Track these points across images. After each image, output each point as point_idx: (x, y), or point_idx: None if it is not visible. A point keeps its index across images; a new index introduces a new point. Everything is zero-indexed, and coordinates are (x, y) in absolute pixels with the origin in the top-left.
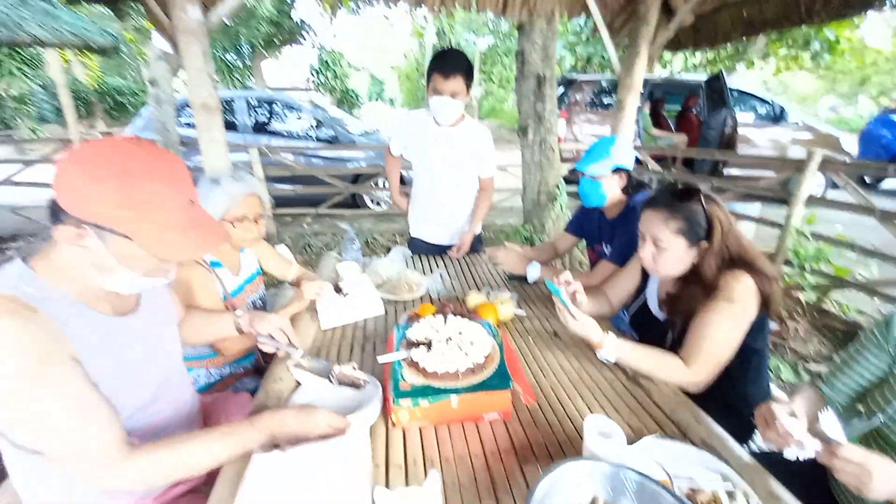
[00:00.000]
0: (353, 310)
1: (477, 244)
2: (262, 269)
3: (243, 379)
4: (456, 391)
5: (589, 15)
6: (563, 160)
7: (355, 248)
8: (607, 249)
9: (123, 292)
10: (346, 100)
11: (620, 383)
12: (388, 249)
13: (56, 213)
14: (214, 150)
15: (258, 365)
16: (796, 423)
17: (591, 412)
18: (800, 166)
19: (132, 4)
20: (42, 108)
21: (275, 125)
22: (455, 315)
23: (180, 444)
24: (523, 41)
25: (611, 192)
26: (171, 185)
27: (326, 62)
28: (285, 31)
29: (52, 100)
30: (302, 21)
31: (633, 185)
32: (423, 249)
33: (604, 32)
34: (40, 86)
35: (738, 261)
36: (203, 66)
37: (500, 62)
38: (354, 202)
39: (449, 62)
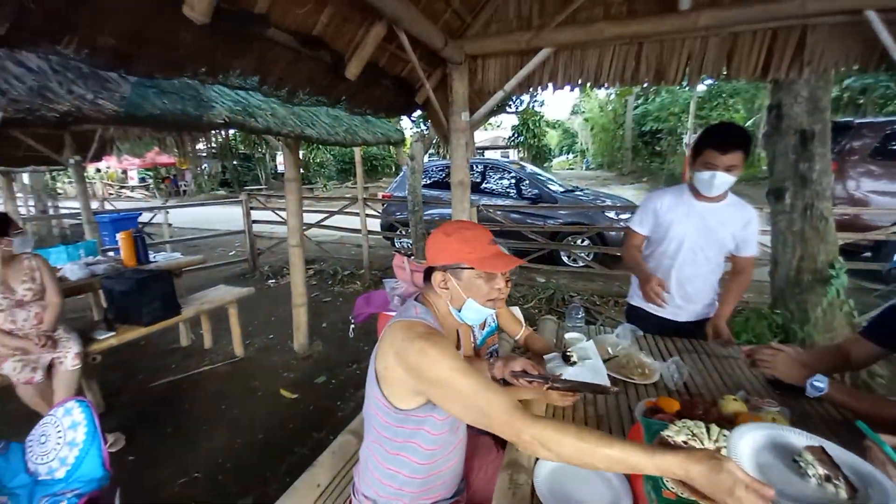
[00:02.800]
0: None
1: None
2: (498, 324)
3: None
4: None
5: (891, 66)
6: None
7: (579, 317)
8: None
9: (471, 322)
10: (540, 155)
11: None
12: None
13: (429, 271)
14: (463, 217)
15: None
16: None
17: None
18: None
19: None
20: (330, 170)
21: (487, 185)
22: (712, 422)
23: (589, 435)
24: (780, 93)
25: None
26: (482, 232)
27: (527, 123)
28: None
29: (336, 164)
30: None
31: None
32: (642, 319)
33: None
34: (332, 155)
35: None
36: (465, 154)
37: (724, 103)
38: (551, 258)
39: (728, 137)
